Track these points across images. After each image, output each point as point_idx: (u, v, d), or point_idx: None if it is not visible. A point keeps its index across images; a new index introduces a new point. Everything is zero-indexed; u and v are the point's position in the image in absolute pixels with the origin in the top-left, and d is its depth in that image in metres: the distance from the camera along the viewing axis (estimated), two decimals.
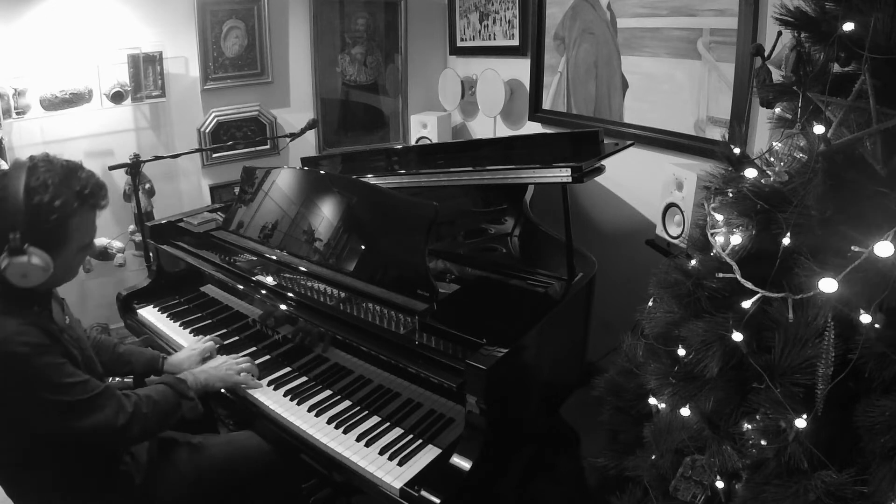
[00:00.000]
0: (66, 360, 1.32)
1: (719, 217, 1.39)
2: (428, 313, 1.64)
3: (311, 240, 1.97)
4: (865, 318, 1.07)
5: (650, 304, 1.54)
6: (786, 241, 1.20)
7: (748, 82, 2.22)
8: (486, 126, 3.54)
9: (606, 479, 1.63)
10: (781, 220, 1.20)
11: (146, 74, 2.87)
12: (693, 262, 1.45)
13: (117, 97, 2.77)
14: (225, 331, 2.05)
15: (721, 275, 1.31)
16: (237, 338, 2.01)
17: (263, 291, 1.90)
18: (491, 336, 1.50)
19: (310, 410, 1.66)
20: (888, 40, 1.10)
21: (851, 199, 1.12)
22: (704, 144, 2.40)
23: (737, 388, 1.27)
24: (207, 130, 3.16)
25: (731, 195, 1.36)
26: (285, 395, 1.72)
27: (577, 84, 3.02)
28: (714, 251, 1.37)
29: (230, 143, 3.10)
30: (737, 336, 1.23)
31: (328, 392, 1.73)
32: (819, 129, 1.16)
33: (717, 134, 2.34)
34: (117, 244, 2.88)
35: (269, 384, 1.77)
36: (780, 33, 1.39)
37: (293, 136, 2.76)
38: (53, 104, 2.67)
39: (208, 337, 1.95)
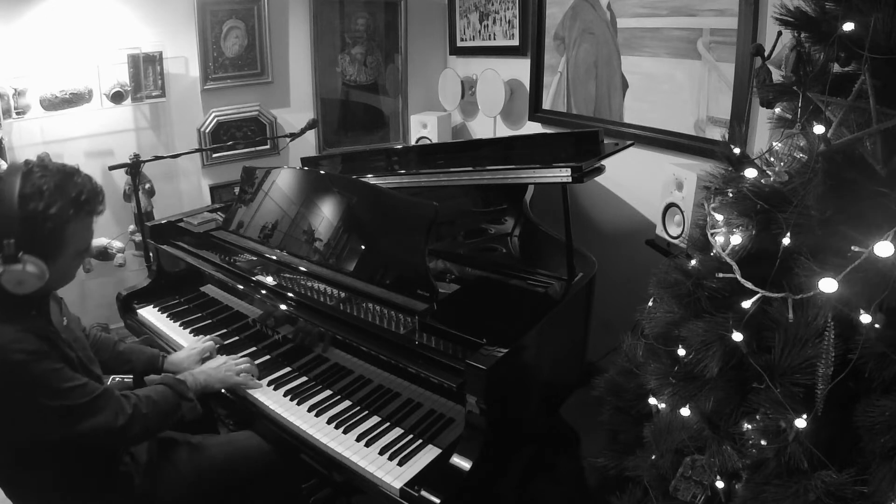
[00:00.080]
0: (64, 365, 1.32)
1: (719, 217, 1.39)
2: (428, 313, 1.64)
3: (311, 240, 1.97)
4: (865, 318, 1.07)
5: (650, 304, 1.54)
6: (786, 241, 1.20)
7: (748, 82, 2.22)
8: (486, 126, 3.54)
9: (606, 479, 1.63)
10: (781, 220, 1.20)
11: (146, 74, 2.87)
12: (693, 262, 1.45)
13: (117, 97, 2.77)
14: (225, 331, 2.05)
15: (721, 275, 1.31)
16: (237, 338, 2.01)
17: (263, 291, 1.90)
18: (491, 336, 1.50)
19: (310, 410, 1.66)
20: (888, 40, 1.10)
21: (851, 199, 1.12)
22: (704, 144, 2.40)
23: (737, 388, 1.27)
24: (207, 130, 3.16)
25: (731, 195, 1.36)
26: (285, 395, 1.72)
27: (577, 84, 3.02)
28: (714, 251, 1.37)
29: (230, 143, 3.10)
30: (737, 336, 1.23)
31: (328, 392, 1.73)
32: (819, 129, 1.16)
33: (717, 134, 2.34)
34: (117, 244, 2.89)
35: (269, 384, 1.77)
36: (780, 33, 1.39)
37: (293, 136, 2.76)
38: (53, 104, 2.67)
39: (208, 337, 1.96)
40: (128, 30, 2.84)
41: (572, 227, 1.87)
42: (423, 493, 1.37)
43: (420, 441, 1.54)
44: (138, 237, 2.82)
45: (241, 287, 1.95)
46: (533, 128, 3.30)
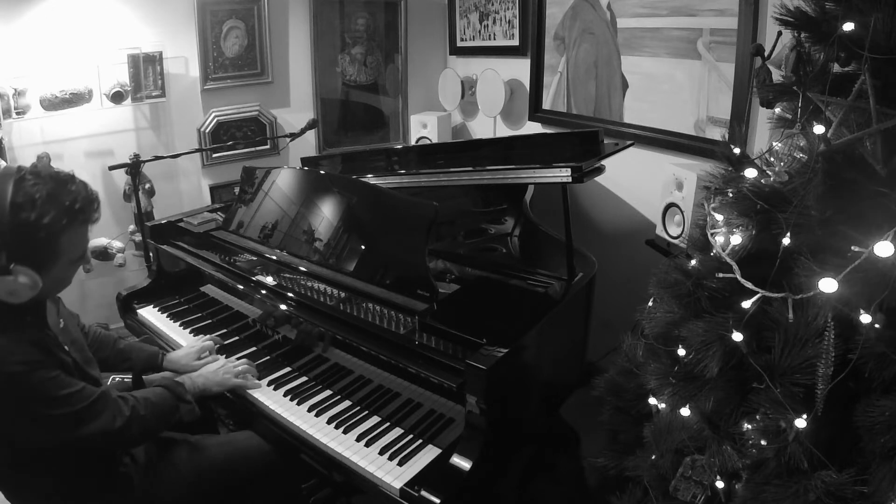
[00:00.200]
0: (60, 371, 1.30)
1: (719, 217, 1.39)
2: (428, 313, 1.64)
3: (311, 240, 1.97)
4: (865, 318, 1.07)
5: (650, 304, 1.54)
6: (786, 241, 1.20)
7: (748, 82, 2.22)
8: (486, 126, 3.54)
9: (606, 479, 1.63)
10: (781, 220, 1.20)
11: (146, 74, 2.87)
12: (693, 262, 1.45)
13: (117, 97, 2.77)
14: (225, 331, 2.05)
15: (721, 275, 1.31)
16: (237, 338, 2.01)
17: (263, 291, 1.90)
18: (491, 336, 1.50)
19: (310, 410, 1.66)
20: (888, 40, 1.10)
21: (851, 199, 1.12)
22: (704, 144, 2.40)
23: (737, 388, 1.27)
24: (207, 130, 3.16)
25: (731, 195, 1.36)
26: (285, 395, 1.72)
27: (577, 84, 3.02)
28: (714, 251, 1.37)
29: (230, 143, 3.10)
30: (737, 336, 1.23)
31: (328, 392, 1.73)
32: (819, 129, 1.16)
33: (717, 134, 2.34)
34: (117, 244, 2.89)
35: (268, 384, 1.77)
36: (780, 33, 1.39)
37: (293, 136, 2.76)
38: (53, 104, 2.67)
39: (208, 336, 1.96)
40: (128, 30, 2.84)
41: (572, 227, 1.87)
42: (423, 492, 1.37)
43: (420, 441, 1.54)
44: (138, 237, 2.82)
45: (241, 287, 1.95)
46: (533, 128, 3.30)
